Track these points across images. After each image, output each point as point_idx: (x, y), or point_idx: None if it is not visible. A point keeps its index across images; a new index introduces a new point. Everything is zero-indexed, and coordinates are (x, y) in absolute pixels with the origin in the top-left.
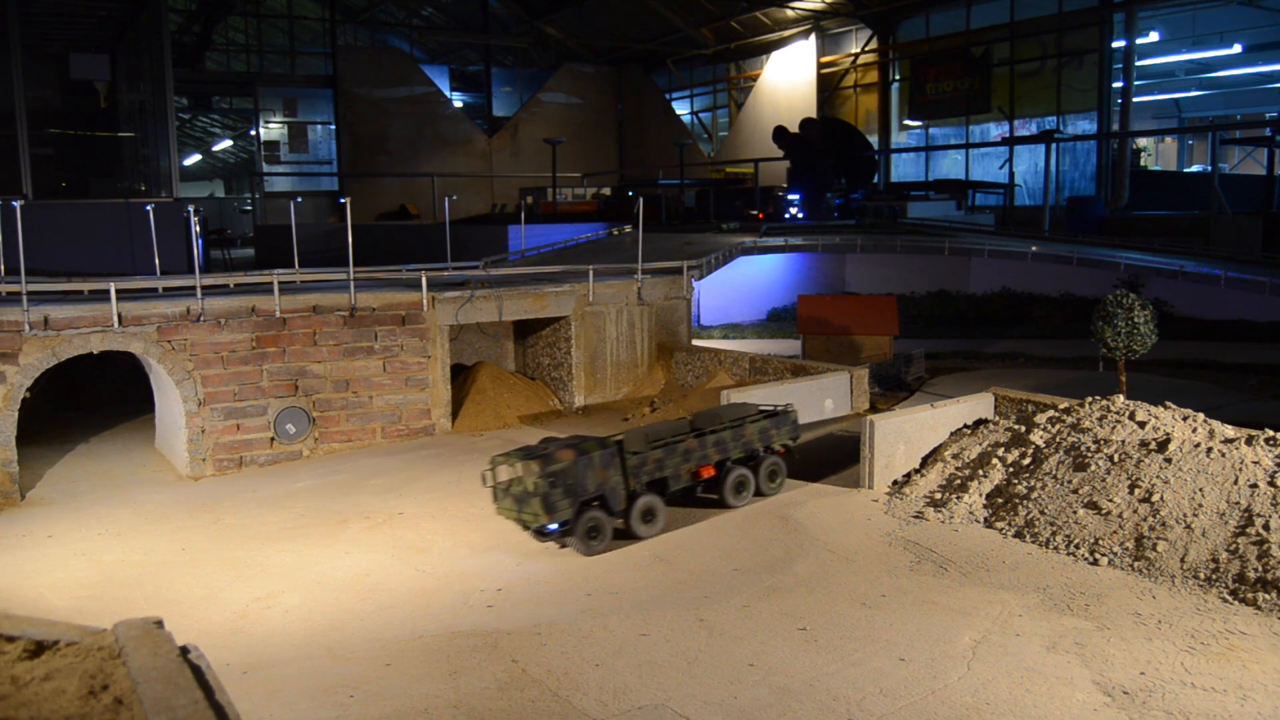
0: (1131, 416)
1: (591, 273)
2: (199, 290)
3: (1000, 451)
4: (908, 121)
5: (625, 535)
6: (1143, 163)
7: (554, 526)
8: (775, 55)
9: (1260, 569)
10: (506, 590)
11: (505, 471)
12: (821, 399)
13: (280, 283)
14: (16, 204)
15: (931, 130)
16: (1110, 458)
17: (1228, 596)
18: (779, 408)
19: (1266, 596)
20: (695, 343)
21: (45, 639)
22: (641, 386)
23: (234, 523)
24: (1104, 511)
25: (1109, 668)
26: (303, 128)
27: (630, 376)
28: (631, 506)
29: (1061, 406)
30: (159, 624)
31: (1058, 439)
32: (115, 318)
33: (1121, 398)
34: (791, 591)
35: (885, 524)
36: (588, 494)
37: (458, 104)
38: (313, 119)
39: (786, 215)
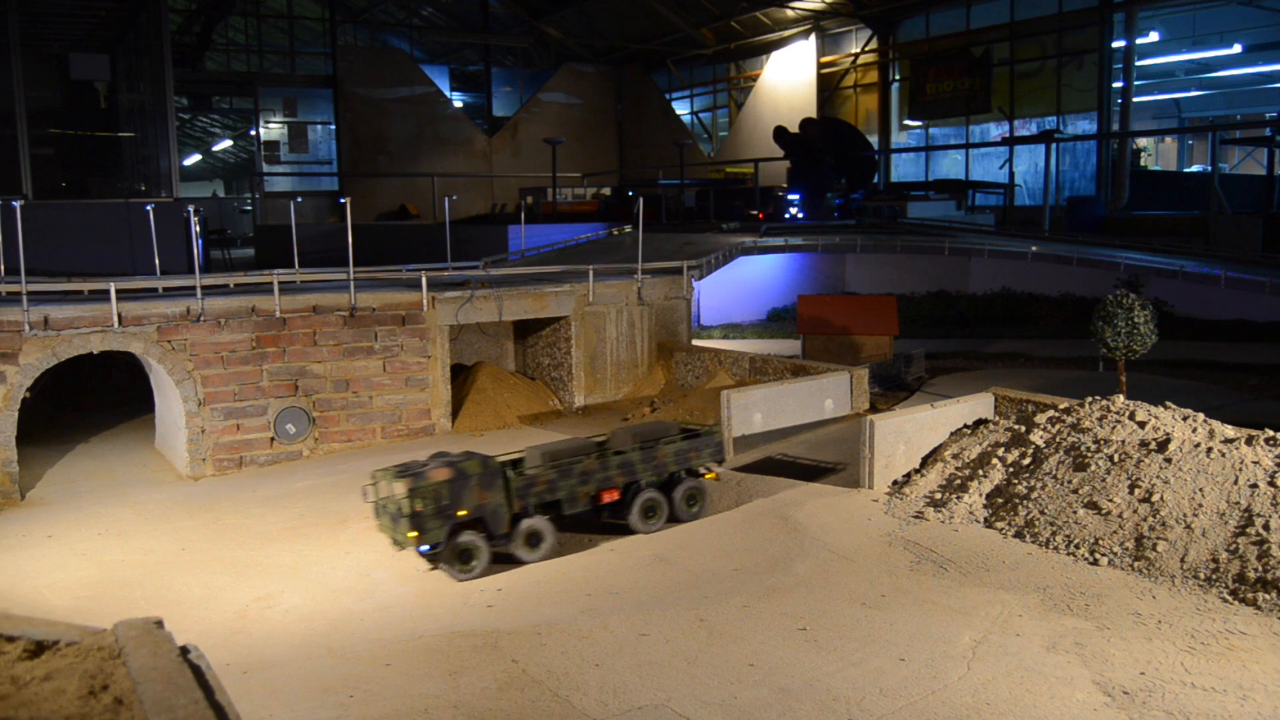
0: (1131, 416)
1: (591, 273)
2: (199, 290)
3: (1000, 451)
4: (908, 121)
5: (509, 559)
6: (1143, 163)
7: (425, 548)
8: (775, 55)
9: (1260, 569)
10: (506, 590)
11: (384, 488)
12: (821, 399)
13: (280, 283)
14: (16, 204)
15: (931, 130)
16: (1110, 458)
17: (1228, 596)
18: (703, 428)
19: (1266, 596)
20: (695, 343)
21: (45, 639)
22: (641, 386)
23: (234, 523)
24: (1104, 511)
25: (1109, 668)
26: (303, 128)
27: (630, 376)
28: (515, 529)
29: (1061, 406)
30: (159, 624)
31: (1058, 439)
32: (115, 318)
33: (1121, 398)
34: (791, 591)
35: (885, 524)
36: (463, 516)
37: (458, 104)
38: (313, 119)
39: (786, 215)
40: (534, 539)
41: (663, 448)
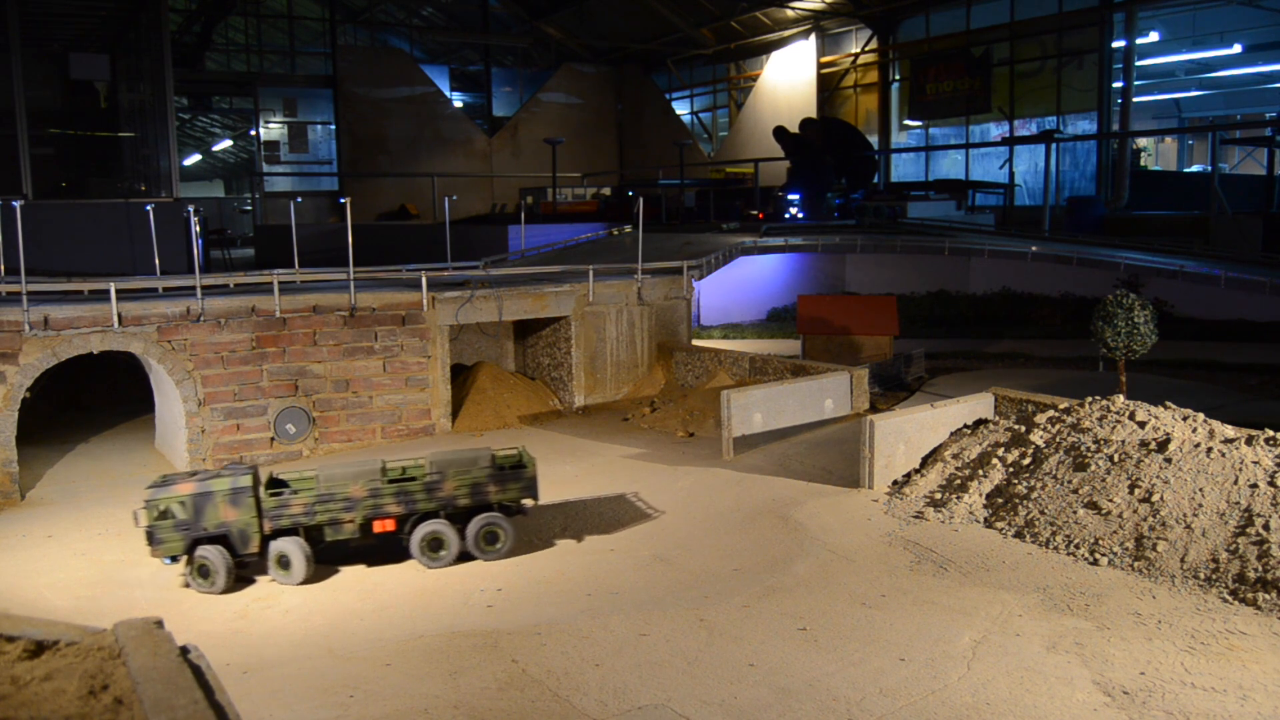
0: (1131, 416)
1: (591, 273)
2: (199, 290)
3: (1000, 451)
4: (908, 121)
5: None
6: (1143, 163)
7: (168, 560)
8: (775, 55)
9: (1260, 569)
10: (506, 590)
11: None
12: (821, 399)
13: (280, 283)
14: (16, 204)
15: (931, 130)
16: (1110, 458)
17: (1228, 596)
18: (510, 464)
19: (1266, 596)
20: (695, 343)
21: (45, 639)
22: (641, 386)
23: None
24: (1104, 511)
25: (1109, 668)
26: (303, 128)
27: (630, 376)
28: (267, 550)
29: (1061, 406)
30: (159, 624)
31: (1058, 439)
32: (115, 318)
33: (1121, 398)
34: (791, 591)
35: (885, 524)
36: (205, 531)
37: (458, 104)
38: (313, 119)
39: (786, 215)
40: (284, 562)
41: (450, 479)
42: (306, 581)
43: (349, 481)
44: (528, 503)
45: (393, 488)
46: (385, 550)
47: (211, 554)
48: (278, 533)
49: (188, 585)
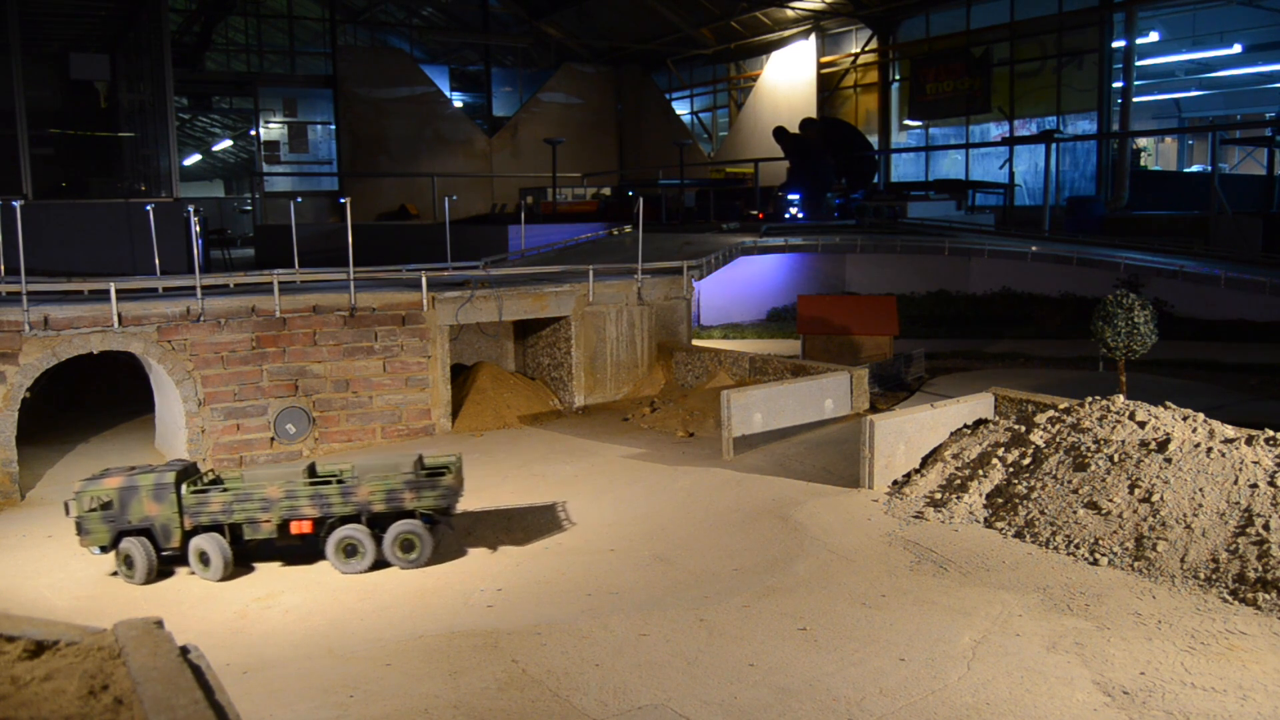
0: (1131, 416)
1: (591, 273)
2: (199, 290)
3: (1000, 451)
4: (908, 121)
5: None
6: (1143, 163)
7: (96, 550)
8: (775, 55)
9: (1260, 569)
10: (506, 590)
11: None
12: (821, 399)
13: (280, 283)
14: (16, 204)
15: (931, 130)
16: (1110, 458)
17: (1228, 596)
18: (429, 472)
19: (1266, 596)
20: (695, 343)
21: (45, 639)
22: (641, 386)
23: None
24: (1104, 511)
25: (1109, 668)
26: (303, 128)
27: (630, 376)
28: (188, 545)
29: (1061, 406)
30: (159, 624)
31: (1058, 439)
32: (115, 318)
33: (1121, 398)
34: (791, 591)
35: (885, 524)
36: (129, 524)
37: (458, 104)
38: (313, 119)
39: (786, 215)
40: (204, 558)
41: (364, 484)
42: (226, 579)
43: (267, 482)
44: (436, 511)
45: (309, 490)
46: (313, 552)
47: (135, 546)
48: (198, 529)
49: (115, 574)
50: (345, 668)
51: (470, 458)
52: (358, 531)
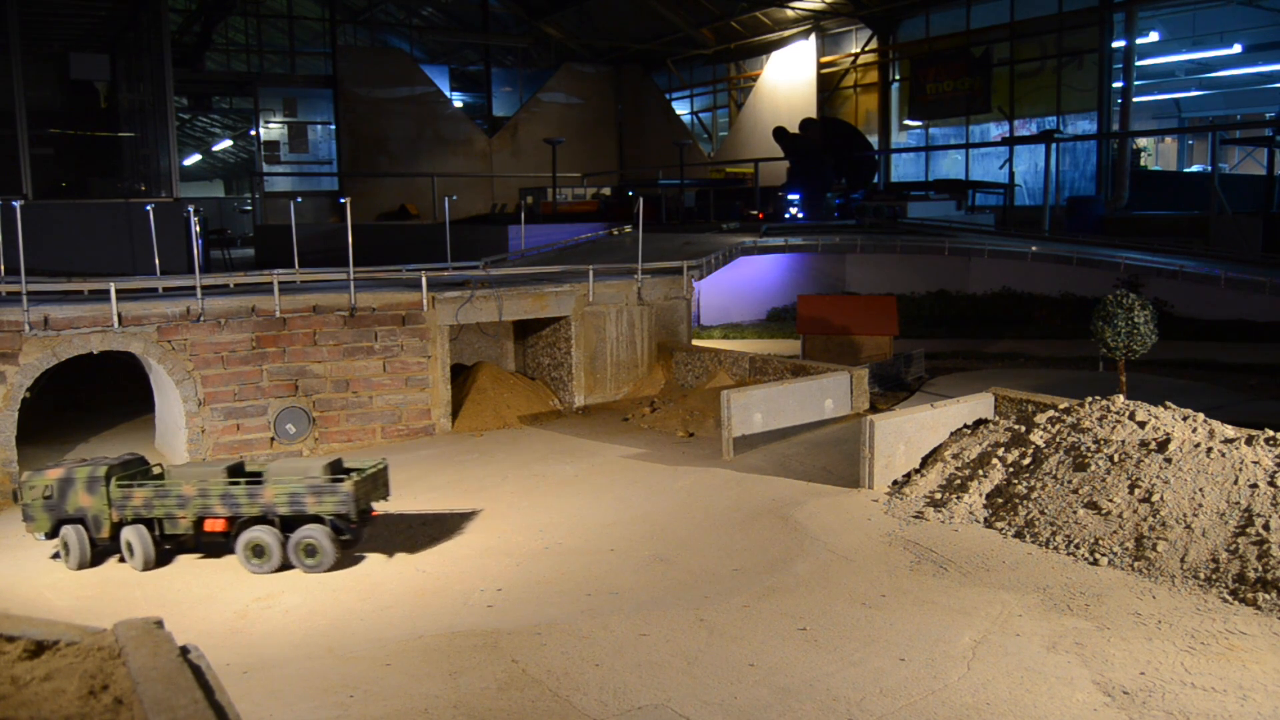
0: (1131, 416)
1: (591, 273)
2: (199, 290)
3: (1000, 451)
4: (908, 121)
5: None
6: (1143, 163)
7: (40, 536)
8: (775, 55)
9: (1260, 569)
10: (506, 590)
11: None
12: (821, 399)
13: (280, 283)
14: (16, 204)
15: (931, 130)
16: (1110, 458)
17: (1228, 596)
18: (329, 480)
19: (1266, 596)
20: (695, 343)
21: (45, 639)
22: (641, 386)
23: None
24: (1104, 511)
25: (1109, 668)
26: (303, 128)
27: (630, 376)
28: (118, 535)
29: (1061, 406)
30: (159, 624)
31: (1058, 439)
32: (115, 318)
33: (1121, 398)
34: (791, 591)
35: (885, 524)
36: (67, 514)
37: (458, 104)
38: (313, 119)
39: (786, 215)
40: (130, 548)
41: (269, 487)
42: (149, 568)
43: (184, 480)
44: (375, 514)
45: (220, 490)
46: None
47: (71, 534)
48: (125, 521)
49: (56, 556)
50: (345, 668)
51: (470, 458)
52: (265, 533)
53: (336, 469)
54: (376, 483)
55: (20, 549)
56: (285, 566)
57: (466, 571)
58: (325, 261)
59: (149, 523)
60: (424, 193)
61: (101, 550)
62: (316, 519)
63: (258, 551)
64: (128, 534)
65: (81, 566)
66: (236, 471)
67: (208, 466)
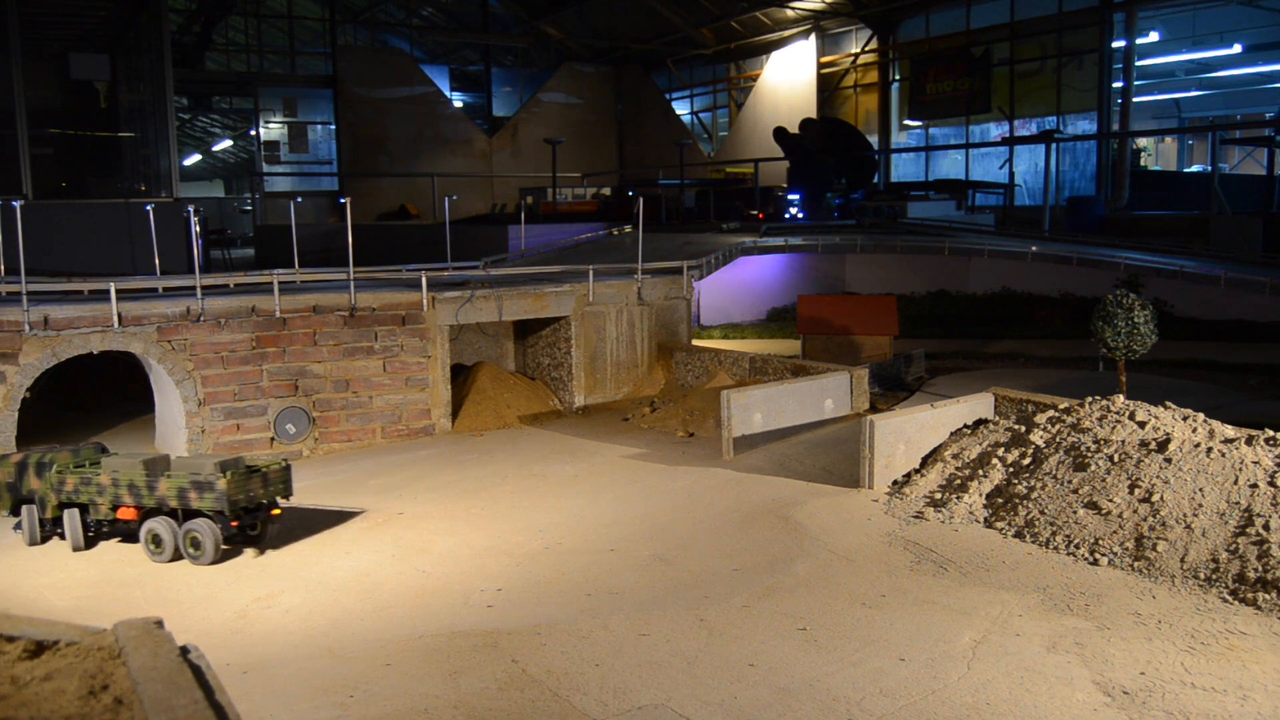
0: (1131, 416)
1: (591, 273)
2: (199, 290)
3: (1000, 451)
4: (908, 121)
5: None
6: (1143, 163)
7: (6, 513)
8: (775, 55)
9: (1260, 569)
10: (506, 590)
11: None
12: (821, 399)
13: (280, 283)
14: (16, 204)
15: (931, 130)
16: (1110, 458)
17: (1228, 596)
18: (206, 477)
19: (1266, 596)
20: (695, 343)
21: (45, 639)
22: (642, 386)
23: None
24: (1104, 511)
25: (1109, 668)
26: (303, 128)
27: (630, 376)
28: (61, 517)
29: (1061, 406)
30: (159, 624)
31: (1058, 439)
32: (115, 318)
33: (1121, 398)
34: (791, 591)
35: (885, 524)
36: (22, 494)
37: (458, 104)
38: (313, 119)
39: (786, 215)
40: (71, 530)
41: (163, 481)
42: (79, 549)
43: (104, 470)
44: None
45: (126, 481)
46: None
47: (26, 514)
48: (63, 504)
49: (17, 528)
50: (345, 668)
51: (470, 458)
52: (161, 524)
53: (228, 466)
54: (267, 482)
55: (20, 549)
56: (178, 557)
57: (466, 571)
58: (325, 261)
59: (83, 508)
60: (424, 193)
61: (49, 531)
62: (201, 513)
63: (156, 541)
64: (66, 516)
65: (33, 543)
66: (150, 466)
67: (125, 458)
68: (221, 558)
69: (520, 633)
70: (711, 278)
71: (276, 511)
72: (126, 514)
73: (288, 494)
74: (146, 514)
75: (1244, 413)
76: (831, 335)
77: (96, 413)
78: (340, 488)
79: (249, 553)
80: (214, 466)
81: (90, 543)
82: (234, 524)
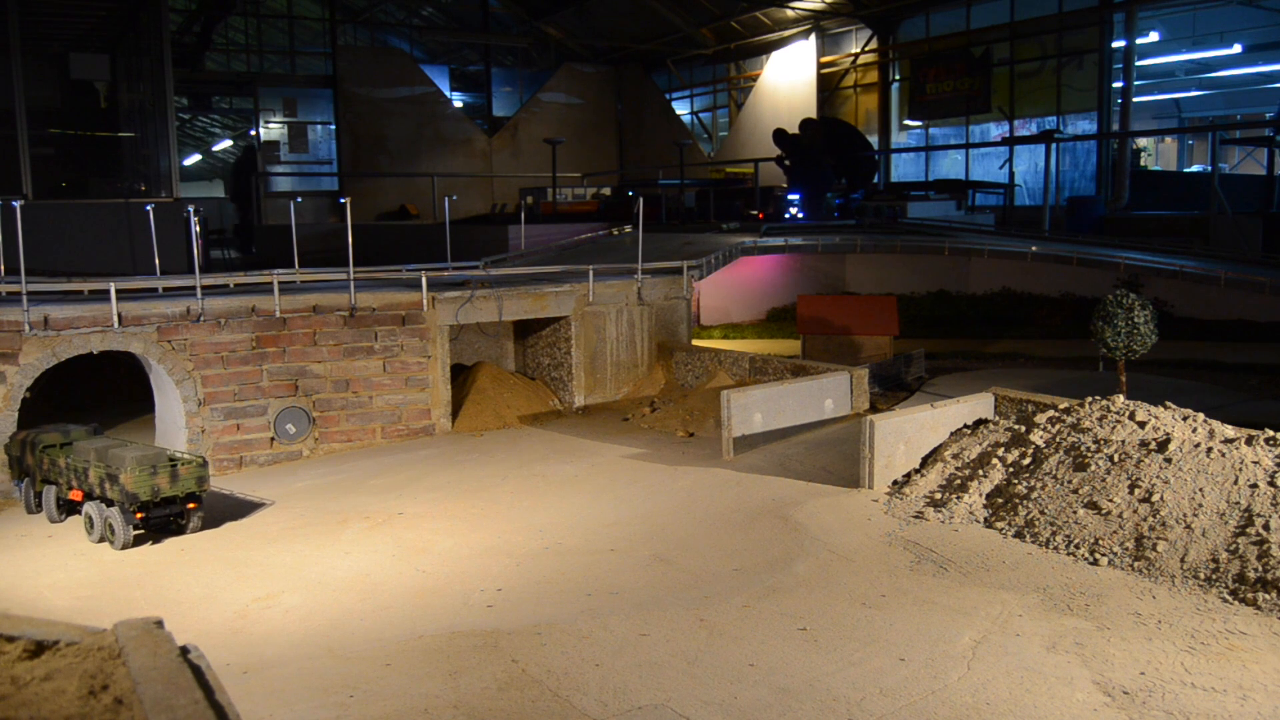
0: (1131, 416)
1: (591, 273)
2: (199, 290)
3: (1000, 451)
4: (908, 121)
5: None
6: (1143, 163)
7: (15, 482)
8: (775, 55)
9: (1260, 569)
10: (506, 590)
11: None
12: (821, 399)
13: (280, 283)
14: (16, 204)
15: (931, 130)
16: (1110, 458)
17: (1228, 596)
18: (115, 469)
19: (1266, 596)
20: (695, 343)
21: (45, 639)
22: (641, 386)
23: (233, 523)
24: (1104, 511)
25: (1109, 668)
26: (303, 128)
27: (630, 376)
28: (45, 491)
29: (1061, 406)
30: (159, 624)
31: (1058, 439)
32: (115, 318)
33: (1121, 398)
34: (791, 591)
35: (885, 524)
36: (23, 469)
37: (458, 104)
38: (313, 119)
39: (786, 215)
40: (53, 503)
41: (93, 468)
42: (54, 523)
43: (71, 453)
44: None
45: (79, 465)
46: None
47: (27, 486)
48: (45, 481)
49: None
50: (345, 668)
51: (470, 458)
52: (94, 508)
53: (144, 461)
54: (176, 477)
55: (20, 549)
56: (104, 539)
57: (466, 571)
58: (325, 261)
59: (57, 485)
60: (424, 193)
61: (39, 505)
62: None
63: (90, 522)
64: (44, 492)
65: (29, 512)
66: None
67: (125, 451)
68: (135, 543)
69: (520, 633)
70: (711, 278)
71: (193, 505)
72: (75, 495)
73: (202, 489)
74: (88, 497)
75: (1244, 413)
76: (831, 335)
77: (96, 413)
78: (340, 488)
79: (249, 553)
80: (130, 461)
81: (62, 520)
82: (138, 515)
